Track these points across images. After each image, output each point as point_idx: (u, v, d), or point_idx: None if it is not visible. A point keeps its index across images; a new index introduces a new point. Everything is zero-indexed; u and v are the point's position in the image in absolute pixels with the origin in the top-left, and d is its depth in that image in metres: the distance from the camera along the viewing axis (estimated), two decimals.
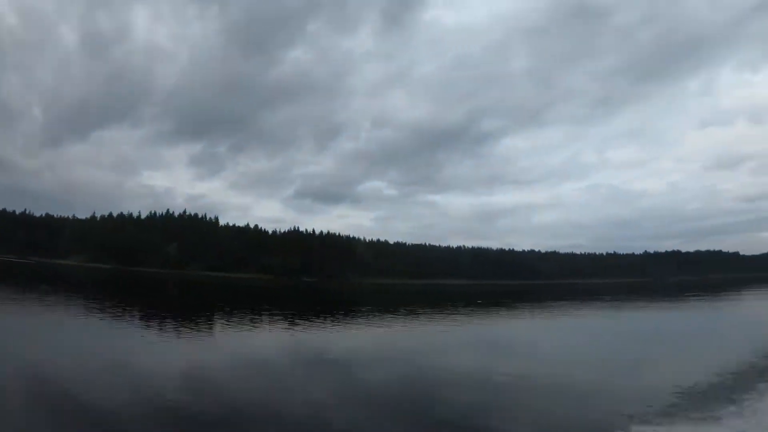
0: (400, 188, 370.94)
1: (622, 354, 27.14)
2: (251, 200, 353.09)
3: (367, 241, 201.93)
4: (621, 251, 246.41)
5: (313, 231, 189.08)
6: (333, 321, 40.40)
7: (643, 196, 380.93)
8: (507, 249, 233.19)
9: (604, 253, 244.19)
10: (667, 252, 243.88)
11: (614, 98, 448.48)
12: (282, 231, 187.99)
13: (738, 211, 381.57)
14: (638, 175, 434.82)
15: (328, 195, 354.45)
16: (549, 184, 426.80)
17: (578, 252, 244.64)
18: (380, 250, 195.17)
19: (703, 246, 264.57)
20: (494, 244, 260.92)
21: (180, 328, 31.46)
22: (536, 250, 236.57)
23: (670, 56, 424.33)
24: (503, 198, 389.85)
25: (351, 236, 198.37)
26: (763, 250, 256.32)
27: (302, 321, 38.79)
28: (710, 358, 22.19)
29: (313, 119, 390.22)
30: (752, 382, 16.39)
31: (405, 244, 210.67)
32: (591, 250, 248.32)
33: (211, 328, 32.97)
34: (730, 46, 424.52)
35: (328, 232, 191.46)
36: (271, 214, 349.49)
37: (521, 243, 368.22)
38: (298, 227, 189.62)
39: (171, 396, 15.83)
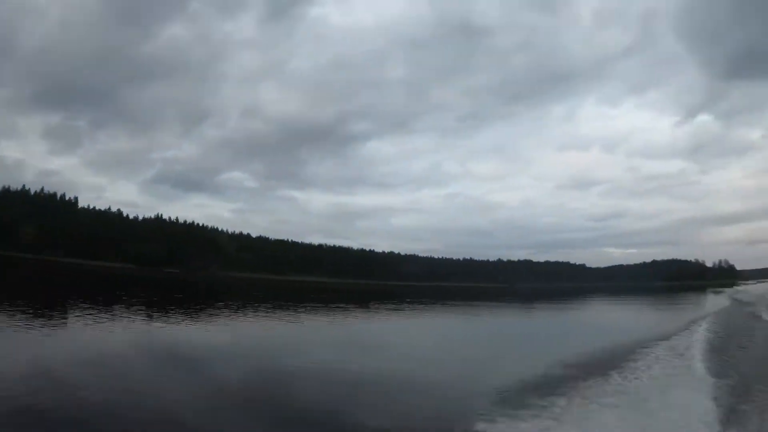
0: (262, 181, 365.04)
1: (473, 351, 28.51)
2: (107, 181, 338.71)
3: (230, 233, 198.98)
4: (477, 258, 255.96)
5: (177, 219, 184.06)
6: (195, 315, 39.82)
7: (500, 207, 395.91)
8: (367, 249, 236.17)
9: (461, 259, 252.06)
10: (519, 261, 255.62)
11: (482, 114, 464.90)
12: (145, 217, 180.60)
13: (586, 228, 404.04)
14: (496, 188, 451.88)
15: (188, 182, 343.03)
16: (410, 189, 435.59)
17: (436, 256, 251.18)
18: (243, 243, 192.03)
19: (553, 257, 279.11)
20: (353, 244, 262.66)
21: (30, 320, 28.74)
22: (396, 252, 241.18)
23: (540, 83, 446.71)
24: (364, 199, 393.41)
25: (215, 227, 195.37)
26: (607, 264, 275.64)
27: (163, 314, 37.89)
28: (549, 356, 23.31)
29: (181, 102, 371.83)
30: (583, 378, 17.67)
31: (268, 238, 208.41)
32: (448, 255, 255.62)
33: (65, 321, 31.19)
34: (595, 81, 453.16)
35: (193, 222, 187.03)
36: (126, 197, 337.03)
37: (380, 244, 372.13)
38: (161, 214, 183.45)
39: (10, 394, 14.72)
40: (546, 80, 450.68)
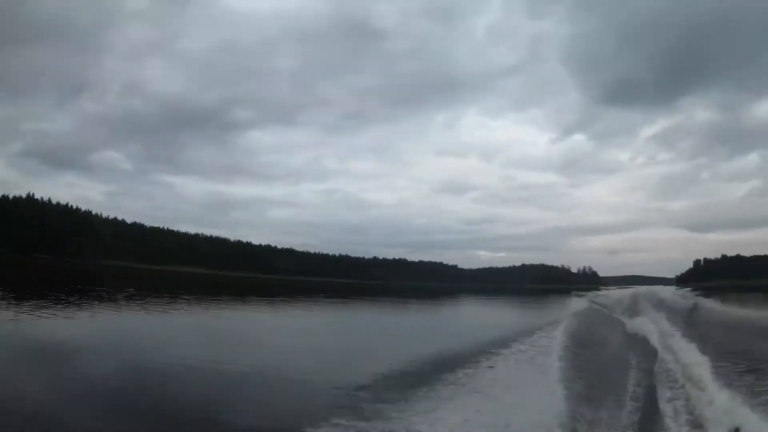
0: (138, 164, 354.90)
1: (339, 347, 28.75)
2: None
3: (104, 217, 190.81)
4: (353, 254, 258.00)
5: (49, 199, 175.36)
6: (65, 306, 37.43)
7: (376, 206, 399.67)
8: (244, 241, 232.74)
9: (338, 255, 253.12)
10: (395, 259, 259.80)
11: (366, 114, 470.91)
12: (15, 196, 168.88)
13: (458, 231, 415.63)
14: (374, 186, 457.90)
15: (59, 159, 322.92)
16: (289, 182, 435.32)
17: (312, 251, 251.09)
18: (118, 229, 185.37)
19: (426, 257, 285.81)
20: (229, 235, 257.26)
21: None
22: (272, 245, 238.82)
23: (426, 89, 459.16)
24: (242, 189, 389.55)
25: (89, 211, 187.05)
26: (478, 266, 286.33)
27: (30, 305, 35.10)
28: (412, 351, 23.53)
29: (59, 70, 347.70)
30: (439, 373, 17.93)
31: (143, 225, 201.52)
32: (324, 251, 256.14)
33: None
34: (479, 93, 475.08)
35: (67, 204, 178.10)
36: None
37: (255, 236, 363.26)
38: (32, 193, 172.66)
39: None
40: (432, 87, 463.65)
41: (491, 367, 19.64)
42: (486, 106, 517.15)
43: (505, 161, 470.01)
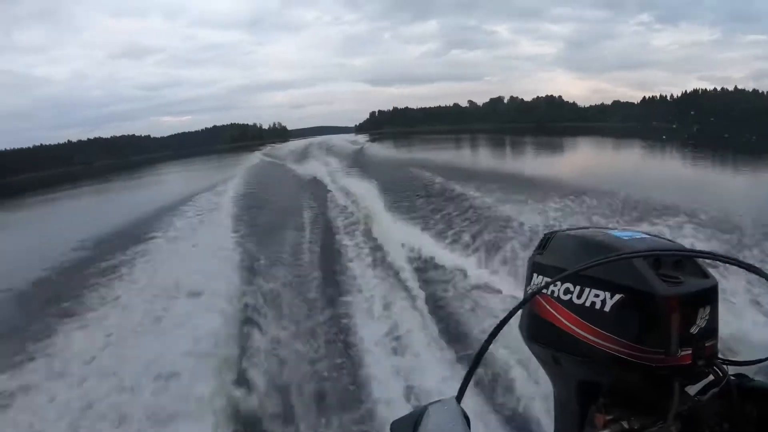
0: None
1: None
2: None
3: None
4: (46, 142, 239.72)
5: None
6: None
7: (46, 83, 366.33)
8: None
9: (31, 147, 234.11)
10: (90, 140, 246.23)
11: None
12: None
13: (140, 99, 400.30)
14: (42, 61, 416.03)
15: None
16: None
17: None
18: None
19: (110, 132, 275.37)
20: None
21: None
22: None
23: None
24: None
25: None
26: (170, 132, 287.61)
27: None
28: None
29: None
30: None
31: None
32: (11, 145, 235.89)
33: None
34: None
35: None
36: None
37: None
38: None
39: None
40: None
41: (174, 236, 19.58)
42: None
43: (190, 20, 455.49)
